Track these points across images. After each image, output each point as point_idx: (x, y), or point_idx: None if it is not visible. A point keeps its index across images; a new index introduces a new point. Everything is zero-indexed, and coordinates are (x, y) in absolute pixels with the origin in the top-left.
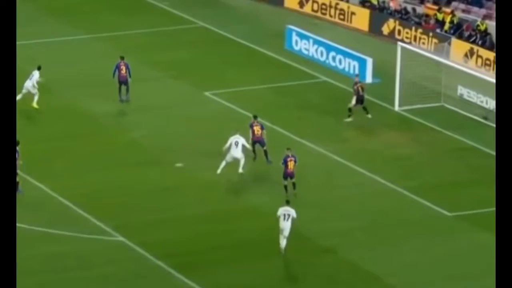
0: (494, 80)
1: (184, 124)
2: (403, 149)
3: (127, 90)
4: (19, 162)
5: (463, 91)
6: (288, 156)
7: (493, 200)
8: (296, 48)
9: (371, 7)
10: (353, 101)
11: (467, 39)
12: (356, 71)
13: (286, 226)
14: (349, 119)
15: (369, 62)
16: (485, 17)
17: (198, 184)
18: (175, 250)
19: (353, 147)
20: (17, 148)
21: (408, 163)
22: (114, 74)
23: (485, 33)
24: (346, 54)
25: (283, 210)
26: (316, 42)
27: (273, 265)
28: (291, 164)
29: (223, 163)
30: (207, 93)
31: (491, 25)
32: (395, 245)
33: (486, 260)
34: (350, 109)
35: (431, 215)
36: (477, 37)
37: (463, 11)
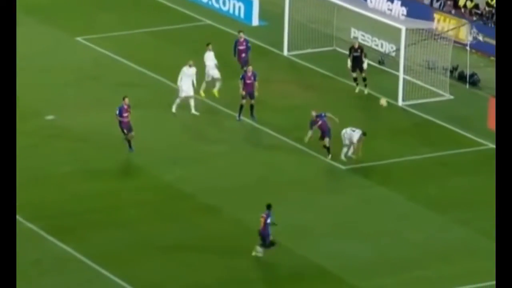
0: (390, 22)
1: (54, 73)
2: (294, 98)
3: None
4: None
5: (357, 33)
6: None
7: (389, 152)
8: None
9: None
10: None
11: None
12: (242, 13)
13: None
14: None
15: (255, 3)
16: None
17: (72, 138)
18: (46, 212)
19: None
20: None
21: (300, 113)
22: (235, 52)
23: None
24: None
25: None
26: None
27: (153, 228)
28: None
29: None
30: (79, 39)
31: None
32: (287, 203)
33: (382, 217)
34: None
35: (325, 169)
36: None
37: None
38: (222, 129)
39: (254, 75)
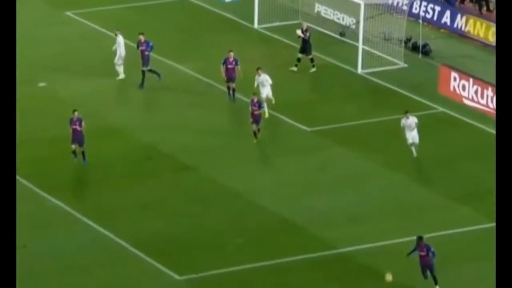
0: None
1: (46, 44)
2: (262, 67)
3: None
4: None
5: (320, 8)
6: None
7: (350, 115)
8: None
9: None
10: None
11: None
12: None
13: (411, 136)
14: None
15: None
16: None
17: (61, 104)
18: (38, 170)
19: (215, 66)
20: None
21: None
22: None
23: None
24: None
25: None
26: None
27: (134, 185)
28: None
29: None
30: (68, 13)
31: None
32: (255, 162)
33: (344, 174)
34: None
35: (291, 131)
36: None
37: None
38: (197, 94)
39: (235, 60)
